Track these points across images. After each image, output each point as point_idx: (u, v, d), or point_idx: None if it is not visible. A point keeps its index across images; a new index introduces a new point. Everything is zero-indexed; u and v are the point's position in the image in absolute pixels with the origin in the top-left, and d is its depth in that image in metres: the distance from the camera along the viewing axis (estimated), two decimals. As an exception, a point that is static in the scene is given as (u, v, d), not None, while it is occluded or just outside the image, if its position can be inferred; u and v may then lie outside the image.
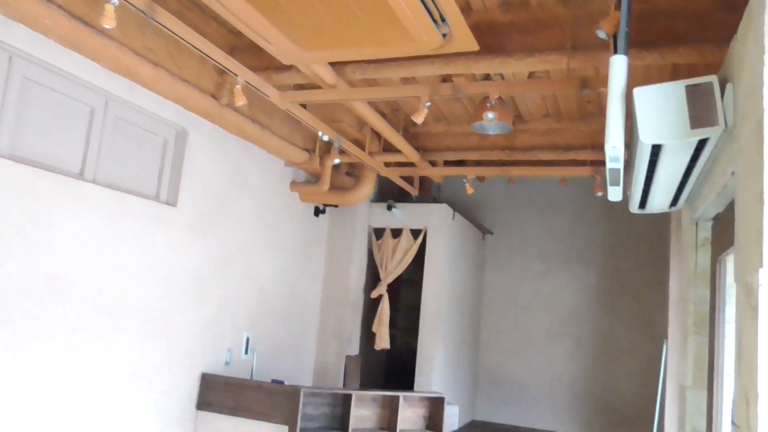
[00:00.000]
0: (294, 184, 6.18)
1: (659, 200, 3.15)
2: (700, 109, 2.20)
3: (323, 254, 6.92)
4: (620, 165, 2.65)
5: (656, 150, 2.42)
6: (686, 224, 3.43)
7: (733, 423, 2.05)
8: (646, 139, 2.29)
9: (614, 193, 3.14)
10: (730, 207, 2.75)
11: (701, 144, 2.34)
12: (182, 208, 4.69)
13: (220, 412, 4.79)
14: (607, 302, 8.06)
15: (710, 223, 3.23)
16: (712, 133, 2.22)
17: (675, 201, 3.19)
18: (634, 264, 7.96)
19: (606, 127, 2.48)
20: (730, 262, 2.86)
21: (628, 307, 7.94)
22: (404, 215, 7.03)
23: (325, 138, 5.16)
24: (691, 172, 2.63)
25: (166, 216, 4.54)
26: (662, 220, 7.39)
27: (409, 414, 4.99)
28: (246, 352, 5.42)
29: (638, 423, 7.36)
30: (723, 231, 3.00)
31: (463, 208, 7.87)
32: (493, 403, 8.34)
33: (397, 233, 7.00)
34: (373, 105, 5.10)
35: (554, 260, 8.34)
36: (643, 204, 3.30)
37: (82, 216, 3.85)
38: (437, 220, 7.03)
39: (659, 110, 2.26)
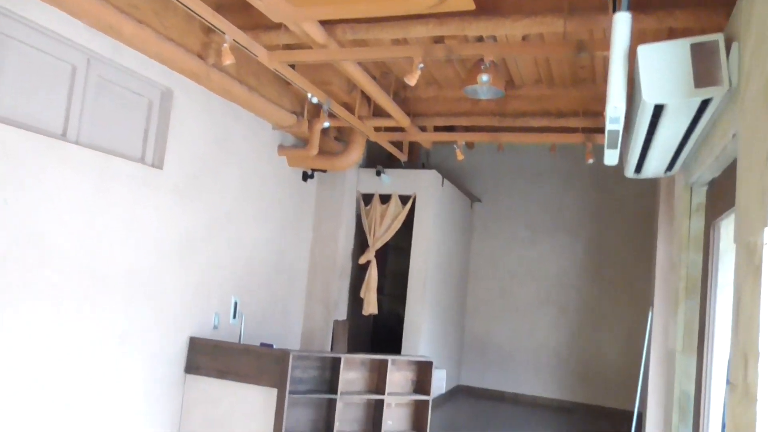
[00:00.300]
0: (282, 148, 6.09)
1: (656, 164, 3.13)
2: (704, 68, 2.17)
3: (311, 219, 6.87)
4: (620, 126, 2.61)
5: (658, 111, 2.38)
6: (680, 189, 3.42)
7: (728, 382, 2.06)
8: (649, 98, 2.25)
9: (611, 157, 3.11)
10: (727, 171, 2.73)
11: (703, 105, 2.31)
12: (168, 170, 4.60)
13: (209, 375, 4.78)
14: (592, 271, 8.13)
15: (705, 189, 3.22)
16: (716, 92, 2.18)
17: (671, 165, 3.17)
18: (619, 233, 8.02)
19: (607, 87, 2.43)
20: (724, 227, 2.86)
21: (612, 275, 8.02)
22: (392, 181, 6.99)
23: (315, 100, 5.07)
24: (691, 135, 2.60)
25: (152, 179, 4.45)
26: (649, 189, 7.42)
27: (398, 377, 5.02)
28: (234, 317, 5.40)
29: (621, 388, 7.50)
30: (718, 196, 3.00)
31: (451, 175, 7.84)
32: (479, 368, 8.45)
33: (385, 199, 6.97)
34: (364, 68, 5.00)
35: (541, 229, 8.38)
36: (639, 168, 3.28)
37: (66, 178, 3.75)
38: (426, 187, 7.00)
39: (663, 69, 2.21)
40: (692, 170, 3.03)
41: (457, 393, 8.12)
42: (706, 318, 2.99)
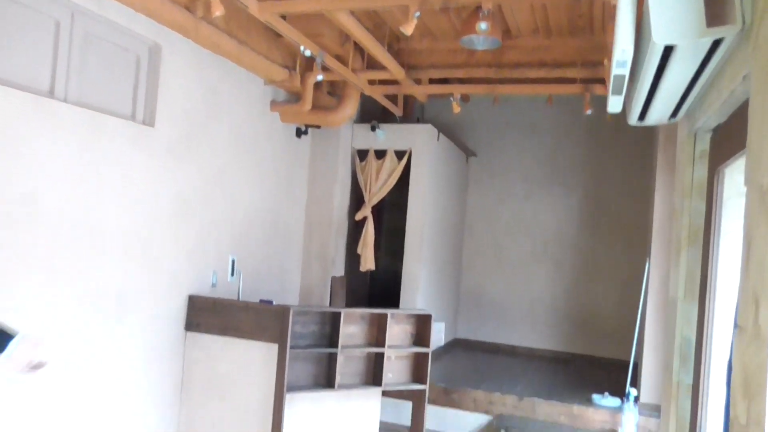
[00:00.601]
0: (274, 104, 5.98)
1: (661, 110, 3.08)
2: (717, 7, 2.10)
3: (306, 176, 6.81)
4: (626, 71, 2.55)
5: (666, 53, 2.32)
6: (683, 136, 3.38)
7: (736, 326, 2.07)
8: (659, 39, 2.18)
9: (615, 104, 3.05)
10: (733, 117, 2.69)
11: (714, 46, 2.25)
12: (160, 128, 4.50)
13: (210, 332, 4.79)
14: (588, 223, 8.15)
15: (709, 135, 3.18)
16: (728, 31, 2.12)
17: (676, 112, 3.12)
18: (615, 184, 8.01)
19: (615, 29, 2.36)
20: (729, 174, 2.84)
21: (608, 227, 8.04)
22: (386, 136, 6.90)
23: (307, 53, 4.95)
24: (699, 78, 2.54)
25: (144, 137, 4.36)
26: (646, 140, 7.38)
27: (397, 331, 5.05)
28: (232, 274, 5.39)
29: (616, 338, 7.60)
30: (722, 142, 2.96)
31: (447, 129, 7.76)
32: (476, 322, 8.53)
33: (381, 155, 6.90)
34: (356, 18, 4.87)
35: (537, 182, 8.35)
36: (643, 115, 3.23)
37: (55, 136, 3.65)
38: (422, 141, 6.92)
39: (674, 8, 2.14)
40: (697, 116, 2.98)
41: (455, 346, 8.22)
42: (709, 265, 3.00)
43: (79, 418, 3.94)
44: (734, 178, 2.84)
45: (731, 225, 2.87)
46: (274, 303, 4.91)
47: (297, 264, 6.75)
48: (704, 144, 3.21)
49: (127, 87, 4.35)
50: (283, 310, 4.53)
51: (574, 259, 8.17)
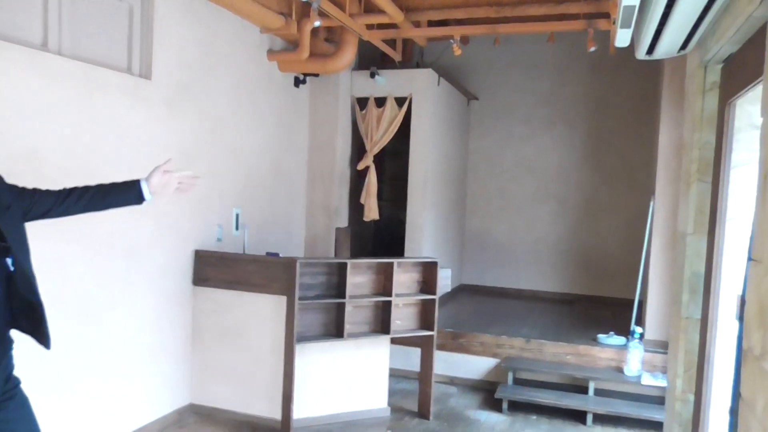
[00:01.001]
0: (271, 53, 5.84)
1: (670, 42, 2.98)
2: (734, -74, 2.00)
3: (306, 127, 6.72)
4: (637, 0, 2.46)
5: (679, -21, 2.23)
6: (693, 68, 3.29)
7: (749, 259, 2.05)
8: (672, -37, 2.09)
9: (623, 38, 2.96)
10: (746, 46, 2.61)
11: (730, -31, 2.16)
12: (157, 80, 4.41)
13: (217, 286, 4.80)
14: (591, 162, 8.09)
15: (719, 66, 3.10)
16: (746, -47, 2.03)
17: (686, 43, 3.03)
18: (618, 122, 7.92)
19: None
20: (740, 106, 2.78)
21: (612, 165, 7.99)
22: (386, 82, 6.78)
23: (303, -2, 4.81)
24: (713, 4, 2.45)
25: (141, 89, 4.27)
26: (648, 76, 7.24)
27: (404, 279, 5.06)
28: (237, 228, 5.38)
29: (620, 277, 7.65)
30: (733, 73, 2.88)
31: (447, 73, 7.61)
32: (480, 267, 8.58)
33: (381, 102, 6.78)
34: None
35: (539, 123, 8.26)
36: (651, 48, 3.14)
37: (51, 90, 3.57)
38: (422, 87, 6.80)
39: (688, -71, 2.04)
40: (708, 46, 2.89)
41: (461, 292, 8.29)
42: (719, 198, 2.97)
43: (93, 369, 3.99)
44: (746, 109, 2.77)
45: (742, 157, 2.82)
46: (281, 255, 4.91)
47: (301, 215, 6.73)
48: (715, 75, 3.12)
49: (122, 39, 4.24)
50: (291, 262, 4.54)
51: (578, 199, 8.15)
